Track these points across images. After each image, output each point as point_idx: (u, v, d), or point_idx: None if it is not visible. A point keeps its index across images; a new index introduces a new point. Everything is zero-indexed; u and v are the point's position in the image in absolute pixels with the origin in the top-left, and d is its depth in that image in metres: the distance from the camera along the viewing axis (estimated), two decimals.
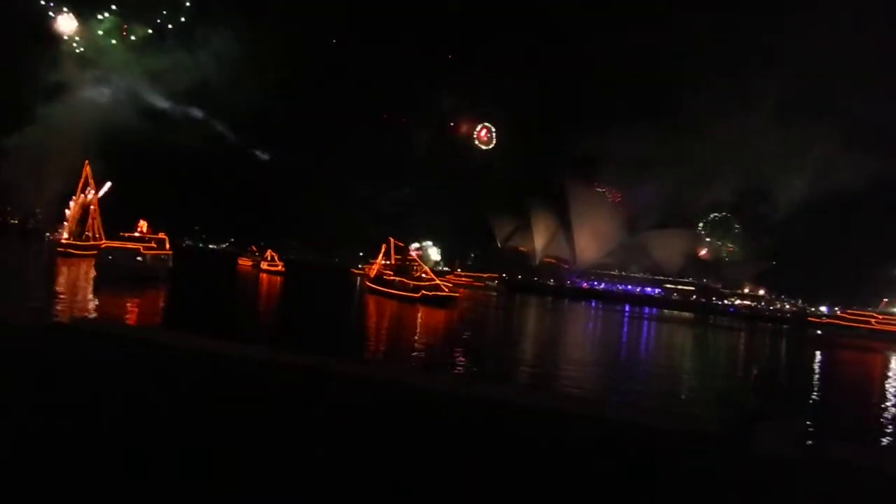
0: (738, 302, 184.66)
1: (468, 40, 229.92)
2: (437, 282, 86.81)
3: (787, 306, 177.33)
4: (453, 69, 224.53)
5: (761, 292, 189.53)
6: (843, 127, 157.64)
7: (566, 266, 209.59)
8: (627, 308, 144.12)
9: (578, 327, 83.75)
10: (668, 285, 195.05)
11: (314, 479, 6.96)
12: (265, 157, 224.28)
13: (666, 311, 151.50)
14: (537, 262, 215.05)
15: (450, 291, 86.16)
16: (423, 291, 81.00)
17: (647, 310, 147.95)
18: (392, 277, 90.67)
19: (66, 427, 7.76)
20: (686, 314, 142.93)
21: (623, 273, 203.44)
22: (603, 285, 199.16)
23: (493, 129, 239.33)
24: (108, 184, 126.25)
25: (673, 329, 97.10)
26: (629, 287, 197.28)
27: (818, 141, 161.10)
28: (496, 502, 6.96)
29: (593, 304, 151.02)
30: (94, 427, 7.92)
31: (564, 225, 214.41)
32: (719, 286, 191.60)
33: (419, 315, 66.27)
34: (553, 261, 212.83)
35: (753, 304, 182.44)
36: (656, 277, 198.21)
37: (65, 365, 10.97)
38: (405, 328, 55.17)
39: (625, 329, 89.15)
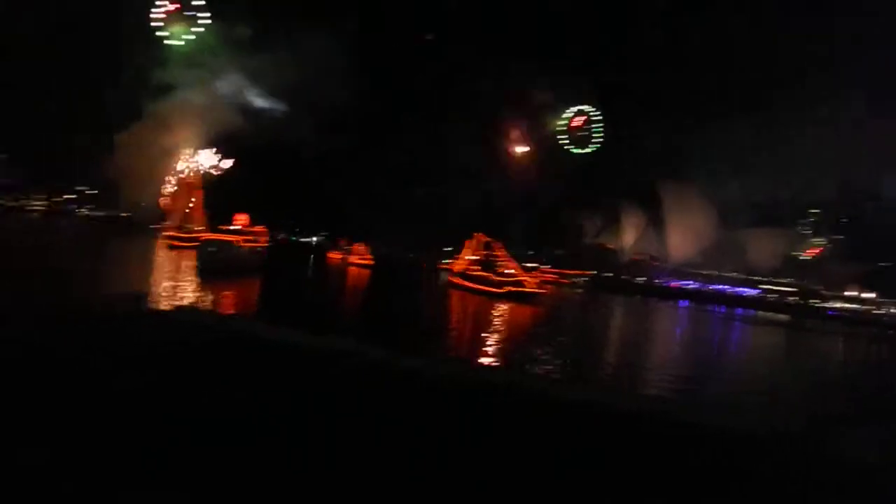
0: (838, 305, 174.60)
1: (552, 31, 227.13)
2: (522, 277, 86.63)
3: (894, 310, 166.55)
4: (541, 61, 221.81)
5: (866, 295, 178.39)
6: None
7: (656, 264, 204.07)
8: (721, 309, 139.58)
9: (667, 327, 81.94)
10: (765, 286, 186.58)
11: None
12: (355, 150, 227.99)
13: (761, 312, 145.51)
14: (626, 259, 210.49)
15: (534, 287, 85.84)
16: (508, 287, 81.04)
17: (741, 311, 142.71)
18: (477, 272, 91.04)
19: (148, 405, 8.32)
20: (782, 316, 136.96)
21: (716, 272, 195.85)
22: (694, 284, 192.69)
23: (592, 113, 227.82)
24: (231, 160, 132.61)
25: (767, 332, 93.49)
26: (723, 287, 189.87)
27: None
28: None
29: (684, 303, 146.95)
30: (174, 407, 8.45)
31: (655, 222, 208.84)
32: (820, 288, 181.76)
33: (503, 310, 66.50)
34: (642, 258, 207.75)
35: (856, 307, 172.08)
36: (752, 277, 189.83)
37: (157, 350, 11.63)
38: (487, 323, 55.53)
39: (716, 330, 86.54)
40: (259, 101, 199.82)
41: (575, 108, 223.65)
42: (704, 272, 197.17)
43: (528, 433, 9.07)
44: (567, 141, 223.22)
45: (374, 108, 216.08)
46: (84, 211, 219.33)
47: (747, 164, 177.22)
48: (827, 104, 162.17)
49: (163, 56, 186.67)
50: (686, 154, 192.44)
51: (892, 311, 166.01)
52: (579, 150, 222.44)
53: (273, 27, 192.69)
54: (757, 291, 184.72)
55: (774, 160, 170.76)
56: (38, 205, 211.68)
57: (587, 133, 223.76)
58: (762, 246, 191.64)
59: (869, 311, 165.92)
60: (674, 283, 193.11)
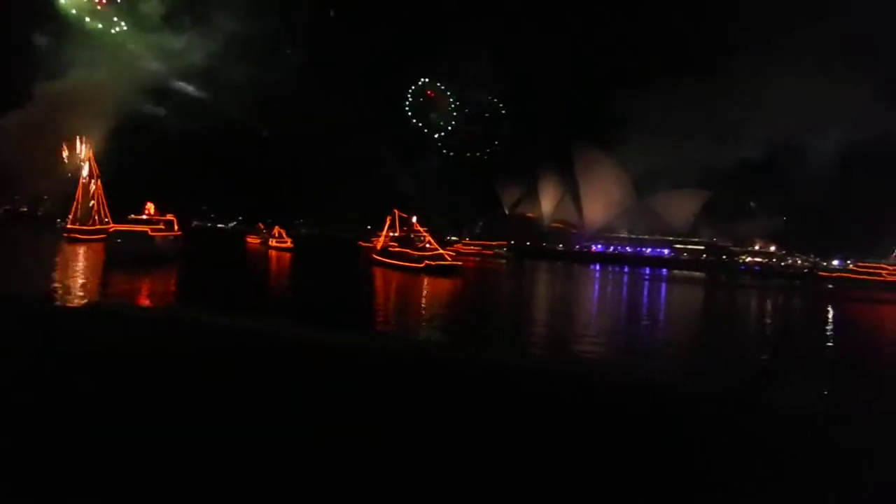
0: (748, 259, 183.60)
1: None
2: (441, 251, 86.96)
3: (799, 262, 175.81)
4: (459, 25, 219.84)
5: (772, 249, 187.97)
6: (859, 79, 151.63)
7: (574, 230, 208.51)
8: (640, 270, 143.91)
9: (588, 291, 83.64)
10: (678, 245, 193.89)
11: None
12: (269, 133, 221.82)
13: (676, 271, 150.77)
14: (546, 227, 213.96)
15: (453, 260, 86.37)
16: (427, 262, 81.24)
17: (658, 271, 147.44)
18: (396, 249, 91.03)
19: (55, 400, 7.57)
20: (697, 274, 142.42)
21: (633, 235, 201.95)
22: (613, 248, 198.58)
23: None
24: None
25: (682, 289, 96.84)
26: (640, 249, 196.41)
27: (833, 94, 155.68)
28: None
29: (602, 266, 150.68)
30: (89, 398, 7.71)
31: (572, 189, 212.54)
32: (729, 244, 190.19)
33: (423, 285, 66.46)
34: (561, 225, 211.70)
35: (765, 260, 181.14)
36: (666, 238, 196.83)
37: (67, 343, 10.91)
38: (408, 298, 55.30)
39: (638, 291, 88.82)
40: (169, 82, 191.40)
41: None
42: (621, 236, 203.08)
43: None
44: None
45: (291, 87, 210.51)
46: None
47: (662, 128, 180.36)
48: (737, 64, 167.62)
49: (59, 34, 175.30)
50: (603, 119, 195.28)
51: (797, 262, 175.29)
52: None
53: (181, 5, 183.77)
54: (670, 251, 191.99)
55: (691, 122, 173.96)
56: None
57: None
58: (675, 207, 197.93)
59: (777, 263, 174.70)
60: (594, 248, 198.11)
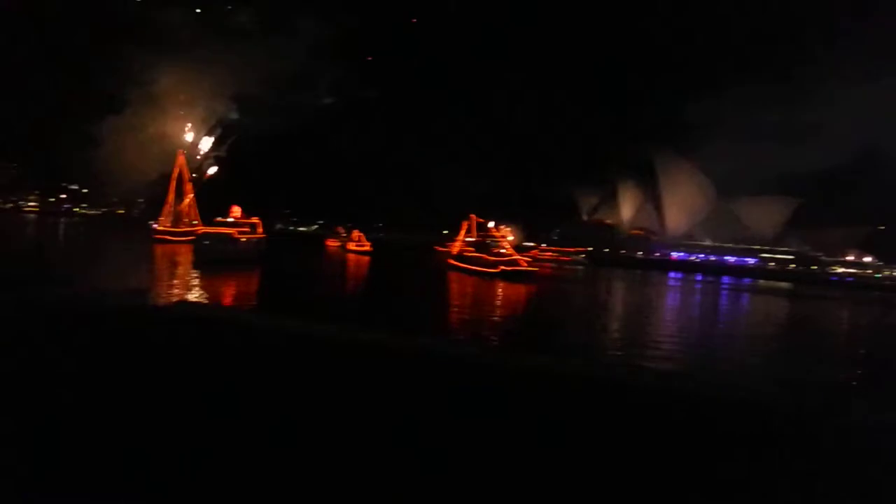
0: (840, 270, 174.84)
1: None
2: (516, 257, 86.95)
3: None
4: (533, 33, 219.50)
5: (867, 259, 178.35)
6: None
7: (654, 237, 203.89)
8: (722, 279, 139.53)
9: (667, 300, 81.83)
10: (764, 255, 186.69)
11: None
12: (359, 143, 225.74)
13: (762, 281, 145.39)
14: (624, 234, 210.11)
15: (529, 266, 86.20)
16: (502, 267, 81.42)
17: (742, 280, 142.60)
18: (472, 254, 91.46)
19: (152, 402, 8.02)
20: (783, 284, 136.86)
21: (716, 243, 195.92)
22: (694, 256, 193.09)
23: None
24: (215, 167, 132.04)
25: (768, 300, 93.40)
26: (723, 257, 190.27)
27: None
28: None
29: (684, 275, 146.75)
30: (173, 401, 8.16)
31: (652, 196, 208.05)
32: (820, 254, 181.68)
33: (498, 290, 66.66)
34: (641, 232, 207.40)
35: (858, 271, 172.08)
36: (751, 247, 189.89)
37: (159, 345, 11.40)
38: (482, 302, 55.58)
39: (719, 301, 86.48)
40: (252, 89, 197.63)
41: None
42: (704, 244, 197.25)
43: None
44: None
45: (367, 97, 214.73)
46: (80, 209, 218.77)
47: (747, 133, 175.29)
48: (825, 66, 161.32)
49: (150, 44, 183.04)
50: (684, 125, 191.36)
51: (894, 274, 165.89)
52: None
53: (269, 14, 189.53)
54: (756, 261, 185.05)
55: (778, 129, 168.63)
56: (32, 206, 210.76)
57: None
58: (761, 215, 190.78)
59: (871, 275, 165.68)
60: (673, 256, 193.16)
